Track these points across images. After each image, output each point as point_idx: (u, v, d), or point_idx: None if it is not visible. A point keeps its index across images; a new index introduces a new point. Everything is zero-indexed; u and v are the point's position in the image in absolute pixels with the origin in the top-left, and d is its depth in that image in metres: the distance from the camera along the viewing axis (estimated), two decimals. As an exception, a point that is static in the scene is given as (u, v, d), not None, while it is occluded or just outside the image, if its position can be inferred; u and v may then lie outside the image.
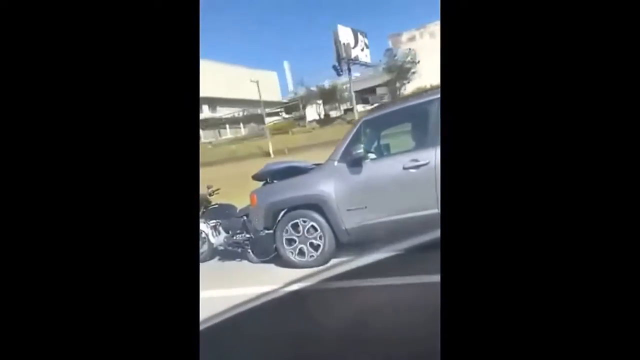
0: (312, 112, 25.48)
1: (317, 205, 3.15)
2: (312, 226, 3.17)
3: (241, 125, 27.10)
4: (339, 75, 22.19)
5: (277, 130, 21.43)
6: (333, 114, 24.23)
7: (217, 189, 4.36)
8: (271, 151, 16.14)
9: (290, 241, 3.25)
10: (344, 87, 23.18)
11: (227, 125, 26.64)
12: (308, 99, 25.29)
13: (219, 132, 25.70)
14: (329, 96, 24.21)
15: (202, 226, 3.84)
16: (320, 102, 24.94)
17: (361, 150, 3.01)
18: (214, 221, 3.90)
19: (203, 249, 3.86)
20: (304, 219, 3.20)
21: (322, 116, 24.22)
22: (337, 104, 24.51)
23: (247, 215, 3.61)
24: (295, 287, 0.72)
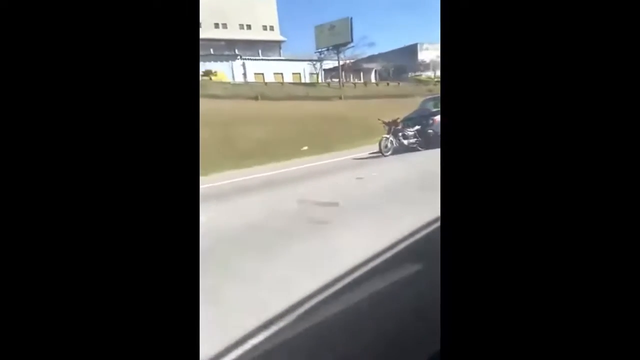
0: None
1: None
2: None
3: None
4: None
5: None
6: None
7: (397, 118, 7.17)
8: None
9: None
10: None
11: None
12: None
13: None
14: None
15: (391, 137, 6.82)
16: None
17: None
18: (401, 133, 6.97)
19: (389, 150, 6.74)
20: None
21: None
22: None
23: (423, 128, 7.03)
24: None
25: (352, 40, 22.83)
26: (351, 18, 22.34)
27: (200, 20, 27.18)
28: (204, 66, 22.62)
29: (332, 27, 22.94)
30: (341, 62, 23.34)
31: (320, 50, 24.01)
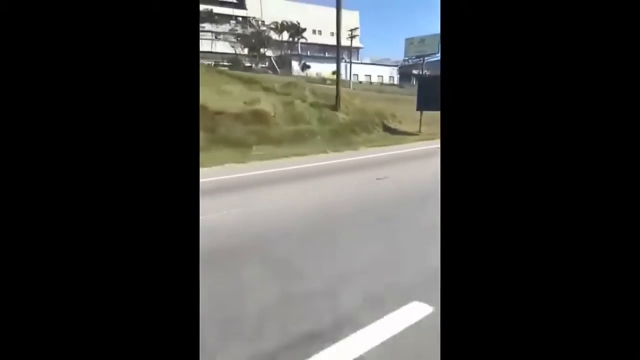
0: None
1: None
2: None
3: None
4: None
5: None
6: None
7: None
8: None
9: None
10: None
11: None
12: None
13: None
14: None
15: None
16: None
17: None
18: None
19: None
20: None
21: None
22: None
23: None
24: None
25: (438, 52, 28.58)
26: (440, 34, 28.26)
27: (302, 26, 32.62)
28: (315, 67, 27.72)
29: (422, 40, 28.54)
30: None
31: (408, 58, 29.65)
